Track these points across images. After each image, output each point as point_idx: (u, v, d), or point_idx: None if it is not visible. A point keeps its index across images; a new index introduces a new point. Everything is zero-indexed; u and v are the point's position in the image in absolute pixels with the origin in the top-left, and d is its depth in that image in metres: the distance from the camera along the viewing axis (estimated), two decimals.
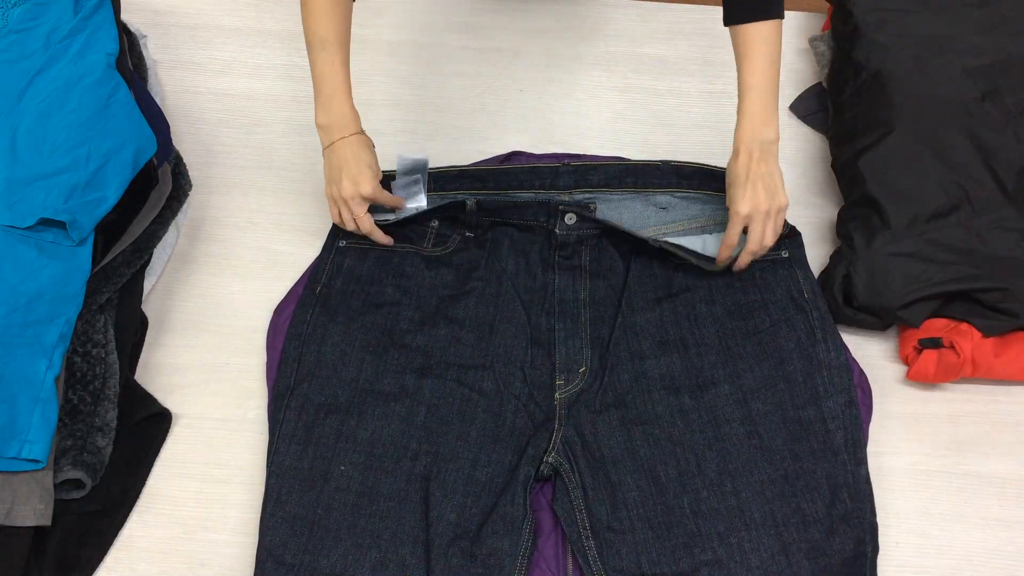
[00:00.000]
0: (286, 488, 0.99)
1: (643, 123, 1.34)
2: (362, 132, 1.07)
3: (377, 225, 1.12)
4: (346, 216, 1.09)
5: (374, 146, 1.10)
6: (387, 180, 1.17)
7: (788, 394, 1.03)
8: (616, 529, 0.97)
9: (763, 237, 1.03)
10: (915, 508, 1.04)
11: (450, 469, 1.00)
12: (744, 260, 1.07)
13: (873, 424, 1.07)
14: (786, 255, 1.12)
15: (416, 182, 1.13)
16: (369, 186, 1.05)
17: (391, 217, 1.14)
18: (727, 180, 1.05)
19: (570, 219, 1.13)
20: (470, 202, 1.09)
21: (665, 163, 1.17)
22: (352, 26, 1.06)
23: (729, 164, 1.05)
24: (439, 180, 1.20)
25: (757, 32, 1.01)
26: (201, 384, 1.11)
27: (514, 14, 1.44)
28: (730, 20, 1.03)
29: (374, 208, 1.12)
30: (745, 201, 1.01)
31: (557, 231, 1.13)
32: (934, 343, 1.07)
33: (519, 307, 1.11)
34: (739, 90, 1.03)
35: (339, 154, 1.05)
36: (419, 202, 1.12)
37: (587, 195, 1.18)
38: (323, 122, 1.04)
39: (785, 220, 1.07)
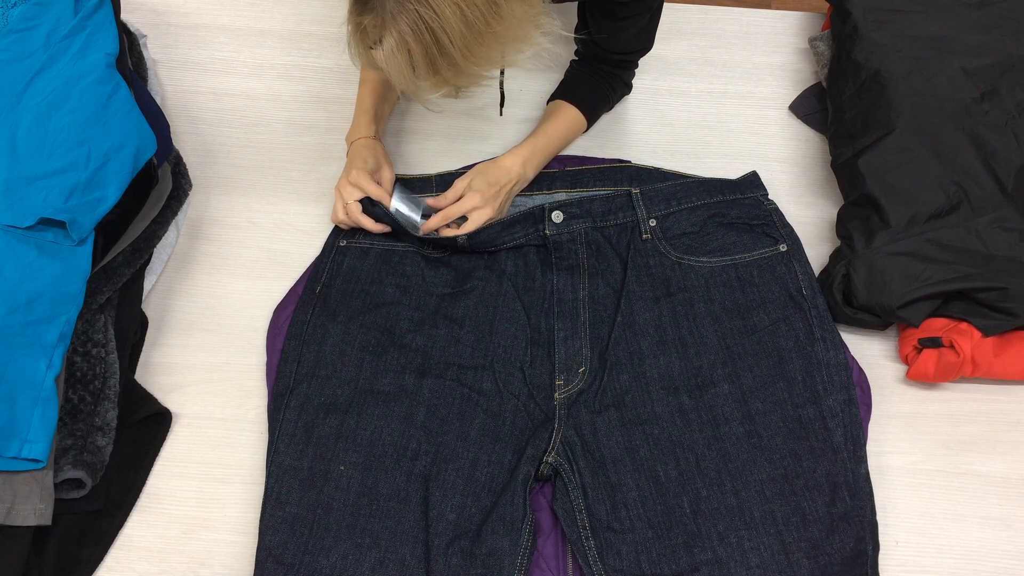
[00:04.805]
0: (286, 488, 0.99)
1: (643, 123, 1.34)
2: (371, 137, 1.19)
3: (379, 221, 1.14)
4: (339, 205, 1.14)
5: (383, 149, 1.19)
6: (402, 182, 1.22)
7: (787, 393, 1.04)
8: (616, 529, 0.97)
9: (458, 207, 1.13)
10: (915, 507, 1.04)
11: (450, 469, 1.00)
12: (434, 222, 1.14)
13: (873, 423, 1.07)
14: (784, 249, 1.13)
15: (417, 203, 1.18)
16: (355, 172, 1.14)
17: (391, 212, 1.14)
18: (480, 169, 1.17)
19: (557, 216, 1.14)
20: (461, 239, 1.12)
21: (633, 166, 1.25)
22: None
23: (494, 162, 1.17)
24: (441, 182, 1.22)
25: (568, 111, 1.23)
26: (201, 384, 1.11)
27: None
28: (552, 97, 1.26)
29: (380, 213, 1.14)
30: (476, 185, 1.14)
31: (547, 232, 1.13)
32: (934, 342, 1.07)
33: (519, 307, 1.11)
34: (533, 132, 1.23)
35: (349, 154, 1.19)
36: (414, 221, 1.16)
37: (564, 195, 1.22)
38: (348, 132, 1.22)
39: (757, 172, 1.22)
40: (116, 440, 1.02)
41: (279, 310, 1.15)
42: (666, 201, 1.16)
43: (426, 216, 1.16)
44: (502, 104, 1.27)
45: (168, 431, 1.07)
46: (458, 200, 1.14)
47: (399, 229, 1.15)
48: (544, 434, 1.02)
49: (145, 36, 1.36)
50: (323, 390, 1.05)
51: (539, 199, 1.21)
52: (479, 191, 1.13)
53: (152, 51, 1.39)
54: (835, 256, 1.15)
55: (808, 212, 1.25)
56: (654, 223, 1.15)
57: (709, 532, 0.96)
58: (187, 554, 1.01)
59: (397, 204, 1.16)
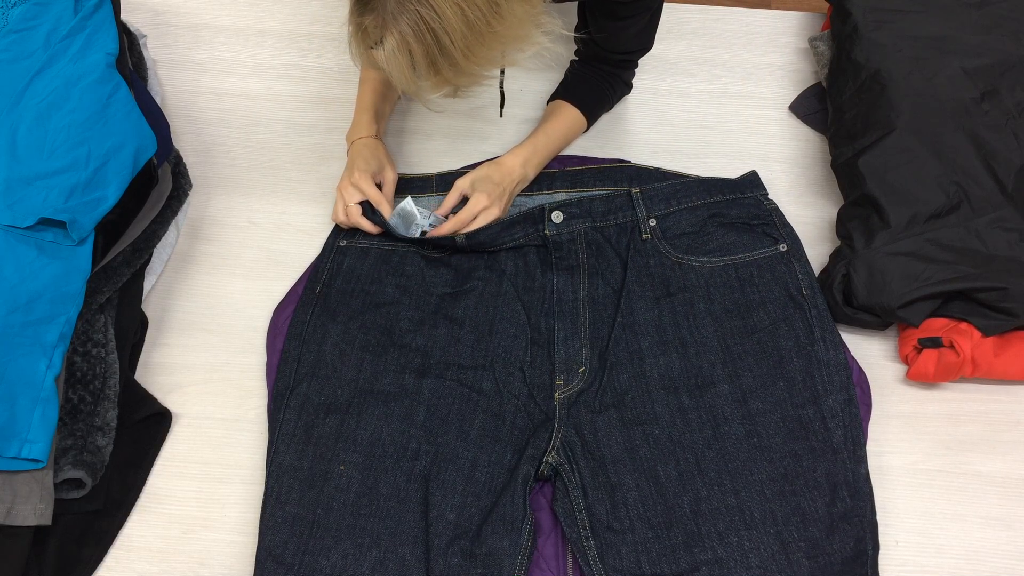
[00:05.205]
0: (286, 488, 0.99)
1: (643, 123, 1.34)
2: (372, 137, 1.19)
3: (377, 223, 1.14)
4: (339, 205, 1.15)
5: (384, 149, 1.20)
6: (403, 181, 1.22)
7: (787, 393, 1.04)
8: (616, 529, 0.97)
9: (468, 211, 1.14)
10: (915, 507, 1.04)
11: (450, 469, 1.00)
12: (447, 228, 1.14)
13: (873, 423, 1.07)
14: (784, 249, 1.13)
15: (419, 215, 1.17)
16: (358, 174, 1.14)
17: (388, 224, 1.14)
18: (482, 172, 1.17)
19: (557, 217, 1.14)
20: (460, 239, 1.12)
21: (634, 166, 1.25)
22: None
23: (496, 162, 1.18)
24: (441, 182, 1.22)
25: (568, 111, 1.23)
26: (201, 384, 1.11)
27: None
28: (552, 97, 1.27)
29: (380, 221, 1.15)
30: (480, 186, 1.15)
31: (547, 232, 1.13)
32: (934, 342, 1.07)
33: (519, 307, 1.11)
34: (534, 132, 1.23)
35: (351, 153, 1.19)
36: (413, 231, 1.15)
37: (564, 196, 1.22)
38: (348, 131, 1.23)
39: (756, 172, 1.22)
40: (116, 440, 1.02)
41: (279, 310, 1.15)
42: (666, 201, 1.16)
43: (433, 225, 1.16)
44: (502, 106, 1.28)
45: (168, 431, 1.07)
46: (461, 203, 1.15)
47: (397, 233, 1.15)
48: (544, 434, 1.02)
49: (145, 36, 1.36)
50: (323, 390, 1.05)
51: (539, 199, 1.21)
52: (485, 192, 1.13)
53: (152, 51, 1.39)
54: (835, 256, 1.15)
55: (808, 212, 1.25)
56: (654, 223, 1.15)
57: (709, 532, 0.96)
58: (187, 554, 1.01)
59: (395, 219, 1.16)
